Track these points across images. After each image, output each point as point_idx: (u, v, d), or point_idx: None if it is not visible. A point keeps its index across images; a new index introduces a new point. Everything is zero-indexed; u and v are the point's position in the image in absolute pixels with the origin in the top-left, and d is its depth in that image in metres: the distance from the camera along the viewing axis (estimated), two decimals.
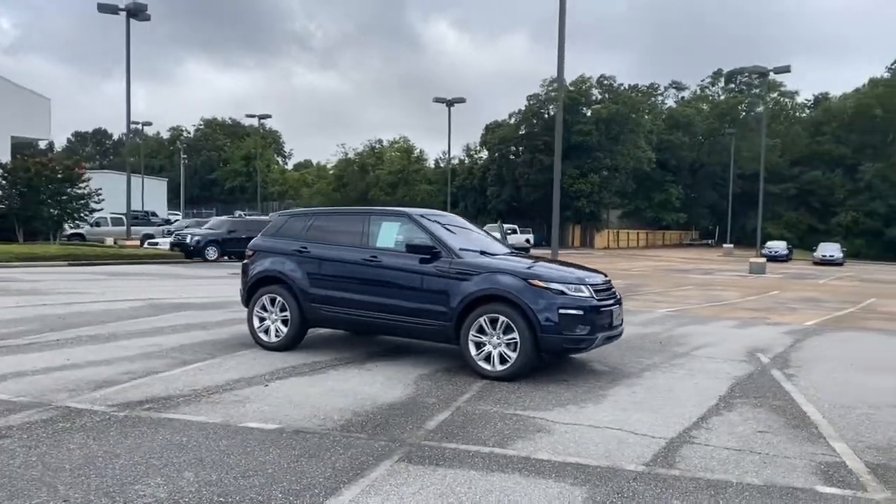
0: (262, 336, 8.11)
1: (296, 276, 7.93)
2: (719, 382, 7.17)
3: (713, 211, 70.15)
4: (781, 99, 74.85)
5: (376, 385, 6.52)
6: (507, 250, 8.31)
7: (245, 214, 58.80)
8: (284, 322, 7.99)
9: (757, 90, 72.55)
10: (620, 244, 62.25)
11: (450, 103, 43.61)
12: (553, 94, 58.77)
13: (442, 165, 73.85)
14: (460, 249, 7.31)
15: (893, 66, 69.74)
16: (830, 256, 44.84)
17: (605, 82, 60.13)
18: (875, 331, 12.42)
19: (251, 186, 78.94)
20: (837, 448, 4.96)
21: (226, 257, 27.15)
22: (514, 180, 57.85)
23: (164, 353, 7.78)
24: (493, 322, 6.83)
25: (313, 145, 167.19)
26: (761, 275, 30.05)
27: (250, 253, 8.48)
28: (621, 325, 7.53)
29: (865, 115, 67.91)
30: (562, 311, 6.63)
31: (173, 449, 4.53)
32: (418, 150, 72.28)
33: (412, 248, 7.27)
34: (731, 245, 54.78)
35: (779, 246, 48.47)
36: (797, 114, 75.71)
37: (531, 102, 59.98)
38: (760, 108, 71.43)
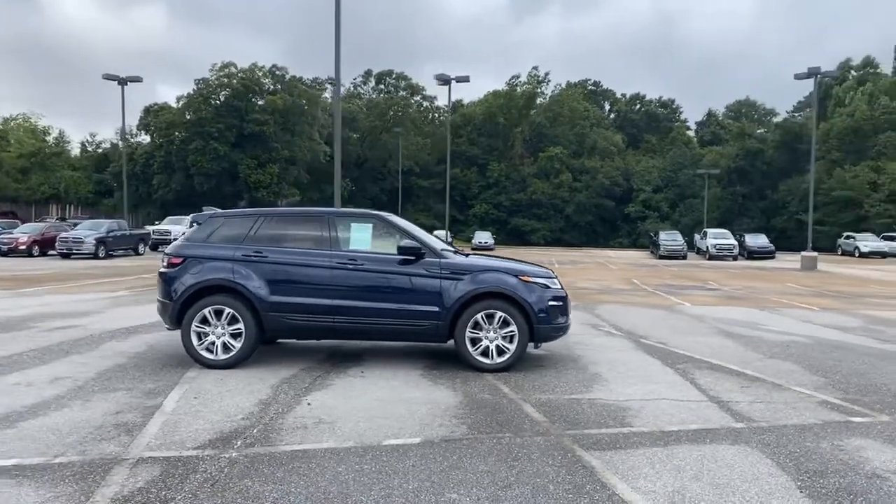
0: (206, 354, 7.10)
1: (251, 283, 7.13)
2: (637, 353, 8.63)
3: (374, 203, 75.11)
4: (424, 103, 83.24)
5: (401, 389, 6.43)
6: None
7: None
8: (235, 336, 7.13)
9: (403, 92, 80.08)
10: None
11: (122, 81, 38.92)
12: (225, 80, 56.45)
13: (90, 150, 65.14)
14: (442, 250, 7.49)
15: (511, 82, 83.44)
16: (485, 243, 52.16)
17: (278, 73, 59.72)
18: (620, 304, 15.43)
19: None
20: (807, 392, 6.69)
21: None
22: (185, 168, 54.01)
23: (103, 384, 6.39)
24: (490, 317, 7.22)
25: None
26: None
27: (178, 260, 7.27)
28: None
29: (491, 122, 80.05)
30: (550, 302, 7.36)
31: (385, 476, 4.17)
32: (58, 131, 62.56)
33: (402, 251, 7.21)
34: None
35: (440, 234, 54.51)
36: (440, 117, 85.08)
37: (200, 87, 56.56)
38: (412, 110, 78.97)
